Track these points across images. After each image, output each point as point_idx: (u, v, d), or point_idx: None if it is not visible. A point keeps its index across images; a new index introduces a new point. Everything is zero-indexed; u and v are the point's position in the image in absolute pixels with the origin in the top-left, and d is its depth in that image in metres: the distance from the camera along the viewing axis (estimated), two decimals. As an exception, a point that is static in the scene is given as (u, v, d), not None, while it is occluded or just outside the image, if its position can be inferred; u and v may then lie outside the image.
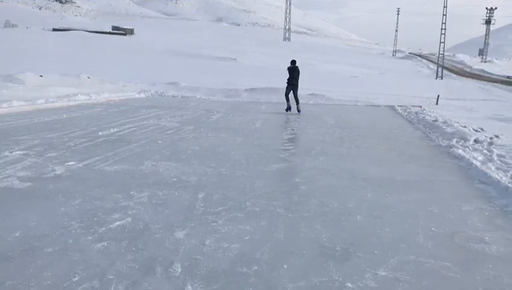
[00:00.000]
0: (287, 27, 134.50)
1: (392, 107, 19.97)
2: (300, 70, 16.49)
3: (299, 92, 16.81)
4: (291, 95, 16.38)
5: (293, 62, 16.33)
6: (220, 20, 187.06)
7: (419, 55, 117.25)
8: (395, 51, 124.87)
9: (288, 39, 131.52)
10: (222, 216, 4.82)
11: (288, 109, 16.35)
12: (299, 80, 16.44)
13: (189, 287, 3.28)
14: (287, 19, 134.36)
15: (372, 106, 20.96)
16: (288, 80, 16.27)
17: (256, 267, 3.64)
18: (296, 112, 16.02)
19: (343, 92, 25.82)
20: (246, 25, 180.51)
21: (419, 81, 50.96)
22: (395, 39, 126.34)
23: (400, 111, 18.29)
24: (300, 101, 16.74)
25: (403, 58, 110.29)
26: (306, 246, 4.14)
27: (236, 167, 7.20)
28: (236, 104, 19.35)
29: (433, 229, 4.74)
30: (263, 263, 3.73)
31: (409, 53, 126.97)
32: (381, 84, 37.92)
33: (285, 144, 9.53)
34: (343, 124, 13.91)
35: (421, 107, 19.88)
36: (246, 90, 23.35)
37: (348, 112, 17.60)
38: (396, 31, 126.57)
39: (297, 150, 8.97)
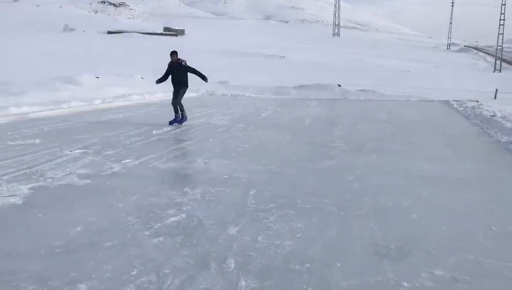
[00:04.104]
0: (336, 22, 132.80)
1: (447, 102, 19.30)
2: (185, 65, 11.28)
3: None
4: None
5: (172, 54, 11.22)
6: (268, 18, 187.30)
7: (476, 48, 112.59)
8: (449, 44, 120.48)
9: (338, 35, 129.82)
10: (273, 213, 4.83)
11: (175, 120, 11.16)
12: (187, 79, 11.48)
13: (243, 282, 3.32)
14: (336, 14, 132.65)
15: (426, 101, 20.34)
16: (164, 79, 11.50)
17: (309, 265, 3.63)
18: (169, 123, 11.07)
19: (395, 88, 25.19)
20: (294, 22, 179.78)
21: (476, 74, 48.94)
22: (450, 32, 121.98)
23: (455, 106, 17.64)
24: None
25: (458, 51, 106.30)
26: (359, 244, 4.09)
27: (286, 164, 7.19)
28: (285, 101, 19.32)
29: (493, 228, 4.55)
30: (316, 261, 3.72)
31: (465, 46, 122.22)
32: (434, 78, 36.70)
33: (335, 141, 9.43)
34: (396, 120, 13.59)
35: (477, 101, 19.09)
36: (294, 87, 23.26)
37: (400, 108, 17.17)
38: (451, 23, 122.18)
39: (349, 147, 8.85)
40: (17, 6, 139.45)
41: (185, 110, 11.38)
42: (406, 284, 3.36)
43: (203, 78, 11.45)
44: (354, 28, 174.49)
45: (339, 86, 23.27)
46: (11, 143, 8.15)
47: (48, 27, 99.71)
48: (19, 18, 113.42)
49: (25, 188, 5.41)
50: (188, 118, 11.52)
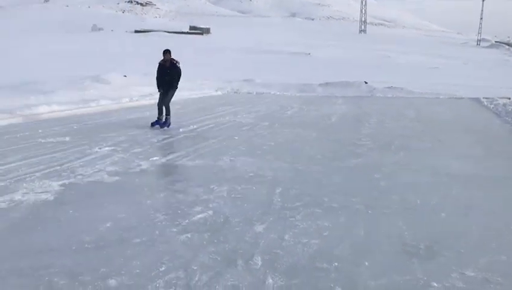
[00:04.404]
0: (363, 19, 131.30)
1: (477, 99, 18.86)
2: (179, 67, 10.46)
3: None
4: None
5: (165, 52, 10.36)
6: (293, 15, 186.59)
7: (508, 44, 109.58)
8: (479, 40, 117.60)
9: (364, 31, 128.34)
10: (300, 211, 4.82)
11: (157, 122, 10.39)
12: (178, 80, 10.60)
13: (270, 280, 3.33)
14: (363, 10, 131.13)
15: (455, 98, 19.94)
16: (158, 80, 10.58)
17: (336, 264, 3.61)
18: (160, 126, 10.32)
19: (423, 84, 24.77)
20: (320, 19, 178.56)
21: (507, 71, 47.65)
22: (480, 27, 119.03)
23: (486, 103, 17.22)
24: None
25: (488, 47, 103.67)
26: (387, 243, 4.04)
27: (312, 162, 7.16)
28: (311, 99, 19.22)
29: (526, 228, 4.43)
30: (343, 259, 3.69)
31: (496, 42, 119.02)
32: (464, 75, 35.92)
33: (362, 139, 9.33)
34: (424, 117, 13.37)
35: (509, 98, 18.60)
36: (320, 84, 23.12)
37: (428, 105, 16.88)
38: (481, 18, 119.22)
39: (376, 145, 8.75)
40: (48, 7, 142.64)
41: (171, 115, 10.54)
42: (435, 284, 3.31)
43: (174, 85, 10.47)
44: (381, 25, 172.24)
45: (366, 83, 23.03)
46: (42, 141, 8.34)
47: (77, 27, 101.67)
48: (49, 18, 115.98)
49: (56, 185, 5.54)
50: (214, 115, 11.55)
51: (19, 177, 5.78)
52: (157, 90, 10.73)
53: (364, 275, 3.45)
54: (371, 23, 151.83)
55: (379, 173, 6.51)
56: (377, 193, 5.57)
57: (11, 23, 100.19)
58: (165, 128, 10.19)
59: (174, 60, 10.38)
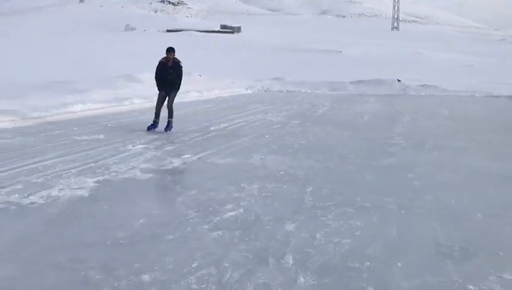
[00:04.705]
0: (395, 16, 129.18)
1: (515, 98, 18.31)
2: (182, 66, 9.68)
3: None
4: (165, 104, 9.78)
5: (169, 50, 9.51)
6: (324, 12, 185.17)
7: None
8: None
9: (397, 28, 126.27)
10: (331, 211, 4.79)
11: (153, 126, 9.60)
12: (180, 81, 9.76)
13: (301, 279, 3.32)
14: (395, 7, 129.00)
15: (491, 97, 19.40)
16: (158, 80, 9.73)
17: (368, 263, 3.57)
18: (164, 130, 9.50)
19: (458, 82, 24.19)
20: (351, 16, 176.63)
21: (547, 68, 46.00)
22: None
23: (525, 101, 16.70)
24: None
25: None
26: (421, 244, 3.97)
27: (344, 161, 7.10)
28: (342, 97, 19.05)
29: None
30: (376, 259, 3.65)
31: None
32: (501, 73, 34.88)
33: (395, 138, 9.19)
34: (459, 116, 13.06)
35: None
36: (351, 82, 22.89)
37: (463, 103, 16.49)
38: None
39: (409, 144, 8.60)
40: (82, 7, 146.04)
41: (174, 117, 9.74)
42: (471, 287, 3.23)
43: (177, 86, 9.70)
44: (414, 22, 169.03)
45: (399, 81, 22.67)
46: (78, 138, 8.55)
47: (110, 27, 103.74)
48: (84, 18, 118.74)
49: (91, 181, 5.67)
50: (245, 114, 11.57)
51: (55, 174, 5.94)
52: (157, 91, 9.76)
53: (397, 275, 3.40)
54: (404, 20, 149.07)
55: (412, 173, 6.40)
56: (410, 192, 5.48)
57: (48, 24, 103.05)
58: (168, 131, 9.41)
59: (176, 58, 9.60)
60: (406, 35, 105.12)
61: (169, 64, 9.49)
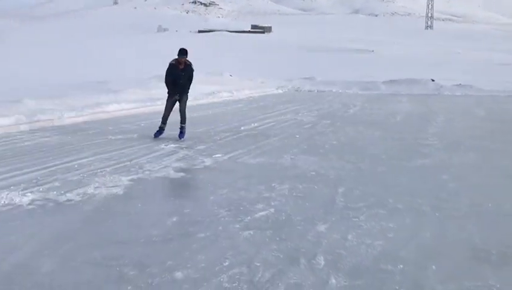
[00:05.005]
0: (429, 14, 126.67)
1: (556, 98, 17.68)
2: (193, 69, 8.98)
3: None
4: (175, 109, 9.04)
5: (182, 52, 8.75)
6: (356, 12, 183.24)
7: None
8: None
9: (431, 27, 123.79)
10: (363, 212, 4.74)
11: (159, 132, 8.92)
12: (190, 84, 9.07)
13: (333, 280, 3.30)
14: (429, 5, 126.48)
15: (531, 97, 18.79)
16: (169, 84, 8.92)
17: (401, 266, 3.52)
18: (178, 137, 8.78)
19: (494, 82, 23.51)
20: (384, 15, 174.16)
21: None
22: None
23: None
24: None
25: None
26: (456, 247, 3.89)
27: (376, 162, 7.01)
28: (374, 97, 18.81)
29: None
30: (409, 262, 3.59)
31: None
32: (541, 71, 33.71)
33: (429, 138, 9.01)
34: (496, 116, 12.71)
35: None
36: (384, 82, 22.56)
37: (500, 104, 16.03)
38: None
39: (443, 144, 8.42)
40: (116, 9, 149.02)
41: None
42: (509, 292, 3.14)
43: (187, 89, 9.01)
44: (449, 20, 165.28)
45: (432, 80, 22.22)
46: (113, 137, 8.74)
47: (144, 28, 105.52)
48: (118, 20, 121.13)
49: (125, 180, 5.78)
50: (275, 114, 11.53)
51: (91, 172, 6.09)
52: (168, 95, 9.03)
53: (431, 279, 3.34)
54: (438, 19, 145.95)
55: (447, 174, 6.26)
56: (445, 194, 5.37)
57: (83, 26, 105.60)
58: (182, 139, 8.72)
59: (188, 61, 8.86)
60: (441, 34, 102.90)
61: (181, 66, 8.79)
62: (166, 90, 9.03)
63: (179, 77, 8.79)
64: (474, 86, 21.13)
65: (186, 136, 8.80)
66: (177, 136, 8.76)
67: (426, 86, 21.54)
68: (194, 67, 8.97)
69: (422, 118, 12.45)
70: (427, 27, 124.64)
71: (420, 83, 21.95)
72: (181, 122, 8.92)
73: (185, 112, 8.99)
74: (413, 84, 21.64)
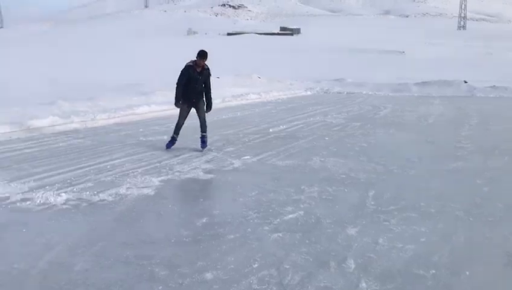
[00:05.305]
0: (462, 15, 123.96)
1: None
2: (211, 74, 8.16)
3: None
4: (189, 118, 8.24)
5: (202, 55, 7.79)
6: (387, 13, 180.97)
7: None
8: None
9: (464, 27, 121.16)
10: (394, 216, 4.67)
11: (171, 143, 8.10)
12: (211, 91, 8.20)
13: (364, 284, 3.26)
14: (463, 5, 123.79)
15: None
16: (183, 88, 7.92)
17: (434, 271, 3.45)
18: (201, 147, 8.02)
19: (531, 84, 22.79)
20: (415, 16, 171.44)
21: None
22: None
23: None
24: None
25: None
26: (491, 253, 3.79)
27: (408, 165, 6.90)
28: (405, 99, 18.52)
29: None
30: (441, 267, 3.52)
31: None
32: None
33: (462, 141, 8.82)
34: (532, 119, 12.32)
35: None
36: (416, 84, 22.17)
37: (537, 106, 15.53)
38: None
39: (477, 148, 8.22)
40: (147, 12, 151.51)
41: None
42: (547, 300, 3.04)
43: (209, 104, 8.18)
44: (482, 20, 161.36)
45: (465, 82, 21.71)
46: (143, 139, 8.88)
47: (174, 30, 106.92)
48: (149, 23, 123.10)
49: (156, 181, 5.87)
50: (304, 116, 11.44)
51: (123, 173, 6.20)
52: (181, 101, 7.96)
53: (465, 284, 3.27)
54: (471, 19, 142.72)
55: (481, 178, 6.11)
56: (479, 199, 5.24)
57: (116, 29, 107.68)
58: (205, 149, 7.97)
59: (206, 65, 7.98)
60: (474, 34, 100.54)
61: (199, 69, 7.87)
62: (174, 96, 7.97)
63: (195, 80, 7.87)
64: (509, 88, 20.55)
65: (208, 140, 8.19)
66: (199, 147, 8.00)
67: (459, 88, 21.06)
68: (211, 72, 8.15)
69: (455, 121, 12.18)
70: (459, 27, 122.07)
71: (452, 84, 21.48)
72: (202, 131, 8.11)
73: (205, 120, 8.14)
74: (445, 86, 21.20)
